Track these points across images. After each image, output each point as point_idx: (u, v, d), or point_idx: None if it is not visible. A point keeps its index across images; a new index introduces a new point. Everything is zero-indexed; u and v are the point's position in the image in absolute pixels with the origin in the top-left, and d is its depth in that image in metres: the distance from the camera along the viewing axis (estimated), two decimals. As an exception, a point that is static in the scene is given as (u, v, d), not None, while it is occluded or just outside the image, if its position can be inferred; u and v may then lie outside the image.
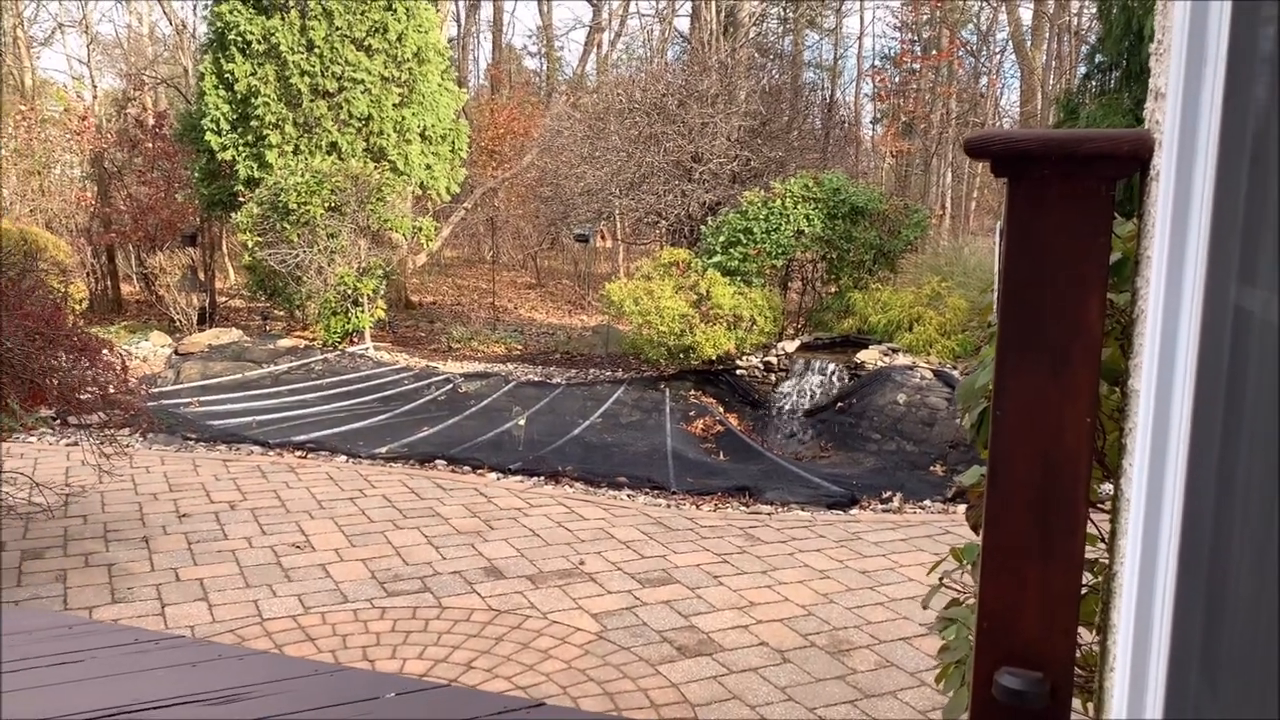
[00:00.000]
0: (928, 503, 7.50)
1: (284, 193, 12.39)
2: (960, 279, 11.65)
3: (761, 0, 24.81)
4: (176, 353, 12.15)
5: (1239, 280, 0.86)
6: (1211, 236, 0.90)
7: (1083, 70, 12.27)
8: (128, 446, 6.98)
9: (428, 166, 14.99)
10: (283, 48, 13.60)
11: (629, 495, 7.48)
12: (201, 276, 15.27)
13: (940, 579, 2.47)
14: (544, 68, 32.33)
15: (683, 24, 27.79)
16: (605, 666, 4.41)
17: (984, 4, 27.41)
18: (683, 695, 4.15)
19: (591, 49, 29.52)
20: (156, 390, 10.52)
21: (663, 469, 8.30)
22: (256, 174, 13.81)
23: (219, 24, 13.97)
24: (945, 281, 11.44)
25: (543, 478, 7.85)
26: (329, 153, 13.98)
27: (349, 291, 12.54)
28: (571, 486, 7.68)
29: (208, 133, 14.04)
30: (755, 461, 8.99)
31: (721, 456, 9.23)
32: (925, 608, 2.56)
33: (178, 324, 13.77)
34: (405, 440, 8.94)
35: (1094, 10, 15.68)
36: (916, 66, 27.27)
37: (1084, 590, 1.74)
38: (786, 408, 10.59)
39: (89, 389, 5.73)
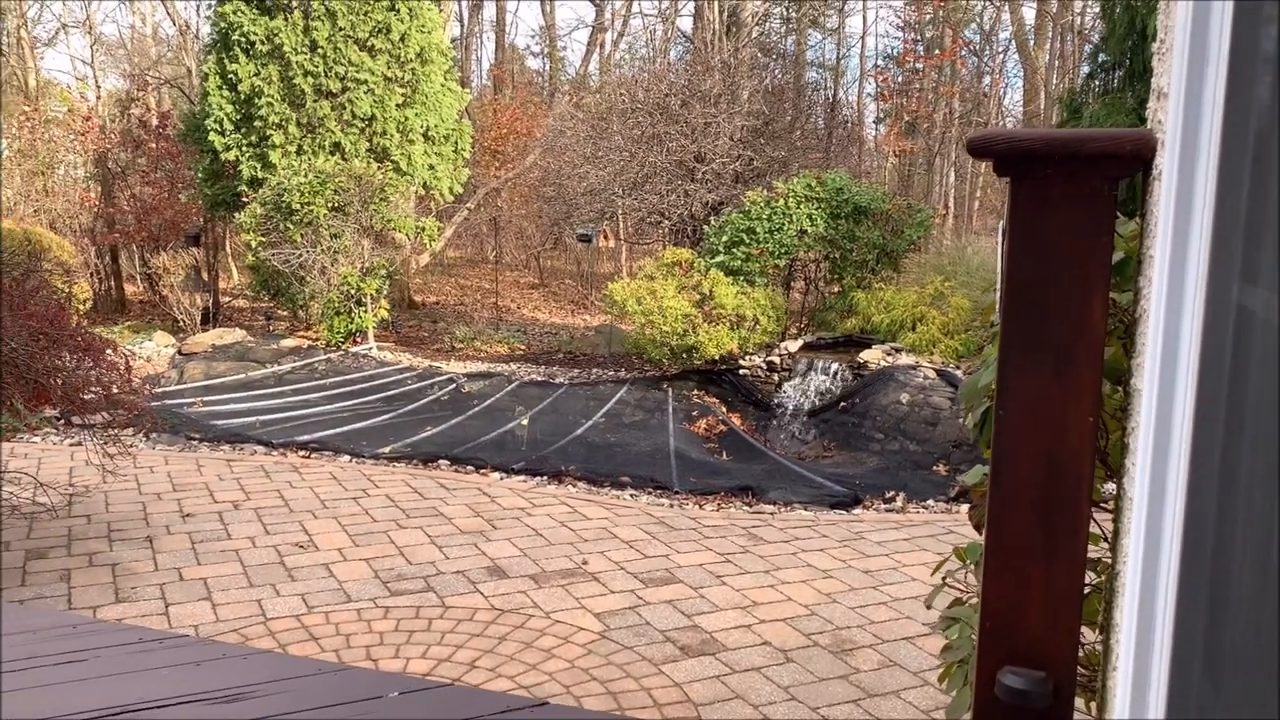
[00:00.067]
0: (931, 502, 7.49)
1: (287, 193, 12.41)
2: (963, 278, 11.65)
3: (764, 0, 24.80)
4: (180, 353, 12.17)
5: (1241, 279, 0.86)
6: (1213, 236, 0.90)
7: (1086, 69, 12.26)
8: (131, 446, 6.99)
9: (431, 167, 15.00)
10: (286, 48, 13.61)
11: (632, 495, 7.48)
12: (205, 276, 15.29)
13: (943, 578, 2.47)
14: (547, 68, 32.34)
15: (685, 24, 27.79)
16: (608, 666, 4.41)
17: (987, 3, 27.40)
18: (686, 695, 4.15)
19: (594, 49, 29.54)
20: (160, 390, 10.53)
21: (666, 469, 8.30)
22: (260, 174, 13.83)
23: (223, 24, 13.99)
24: (948, 281, 11.43)
25: (546, 477, 7.85)
26: (332, 153, 14.00)
27: (352, 291, 12.55)
28: (574, 486, 7.68)
29: (211, 133, 14.05)
30: (758, 461, 8.98)
31: (724, 456, 9.23)
32: (929, 607, 2.56)
33: (181, 324, 13.79)
34: (408, 440, 8.95)
35: (1097, 10, 15.67)
36: (919, 66, 27.23)
37: (1087, 589, 1.74)
38: (789, 407, 10.58)
39: (93, 389, 5.74)
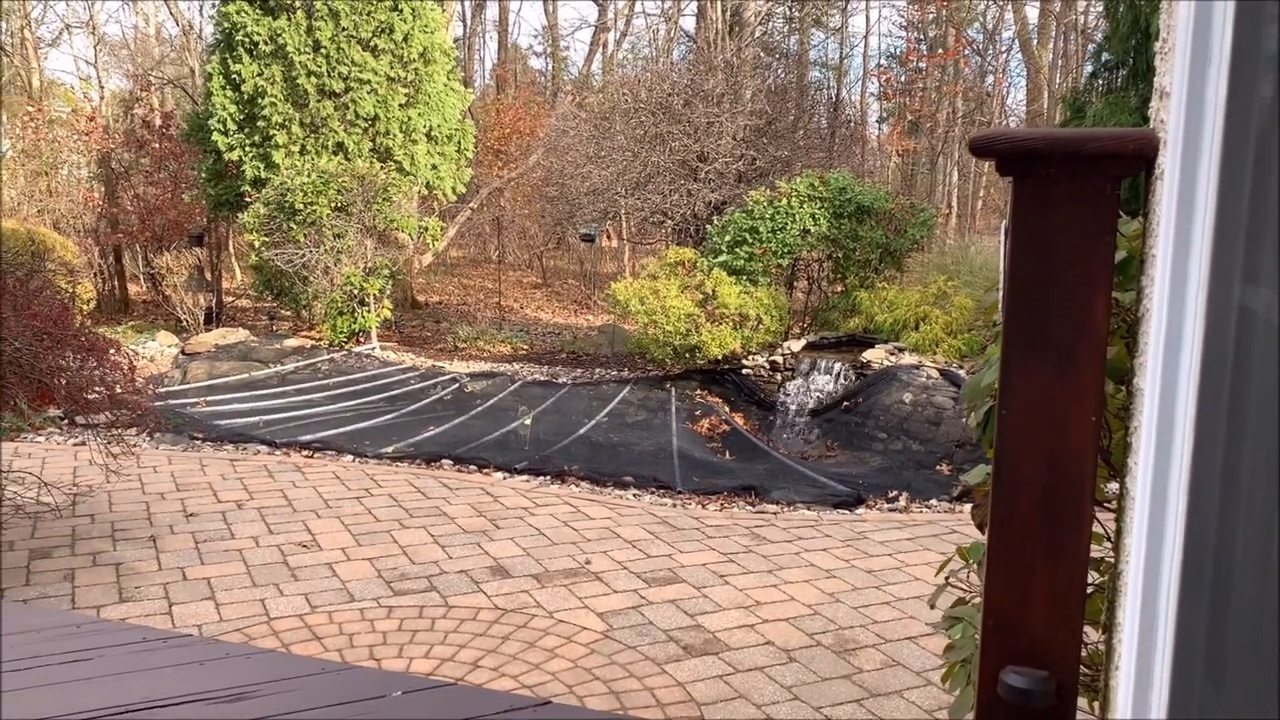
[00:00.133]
0: (934, 502, 7.49)
1: (290, 193, 12.42)
2: (966, 278, 11.64)
3: (767, 0, 24.79)
4: (183, 352, 12.19)
5: (1243, 279, 0.86)
6: (1215, 235, 0.90)
7: (1089, 68, 12.25)
8: (135, 446, 7.00)
9: (434, 166, 15.01)
10: (289, 48, 13.63)
11: (635, 495, 7.48)
12: (208, 276, 15.31)
13: (946, 578, 2.48)
14: (550, 67, 32.36)
15: (688, 23, 27.76)
16: (611, 665, 4.41)
17: (990, 3, 27.37)
18: (689, 694, 4.16)
19: (597, 49, 29.55)
20: (163, 390, 10.55)
21: (668, 468, 8.30)
22: (263, 174, 13.84)
23: (226, 24, 14.01)
24: (951, 280, 11.42)
25: (549, 477, 7.86)
26: (335, 153, 14.01)
27: (355, 291, 12.56)
28: (577, 486, 7.68)
29: (215, 133, 14.07)
30: (761, 461, 8.98)
31: (727, 456, 9.23)
32: (932, 607, 2.56)
33: (184, 324, 13.80)
34: (411, 440, 8.96)
35: (1100, 9, 15.64)
36: (922, 65, 27.22)
37: (1090, 589, 1.74)
38: (792, 407, 10.58)
39: (96, 389, 5.75)
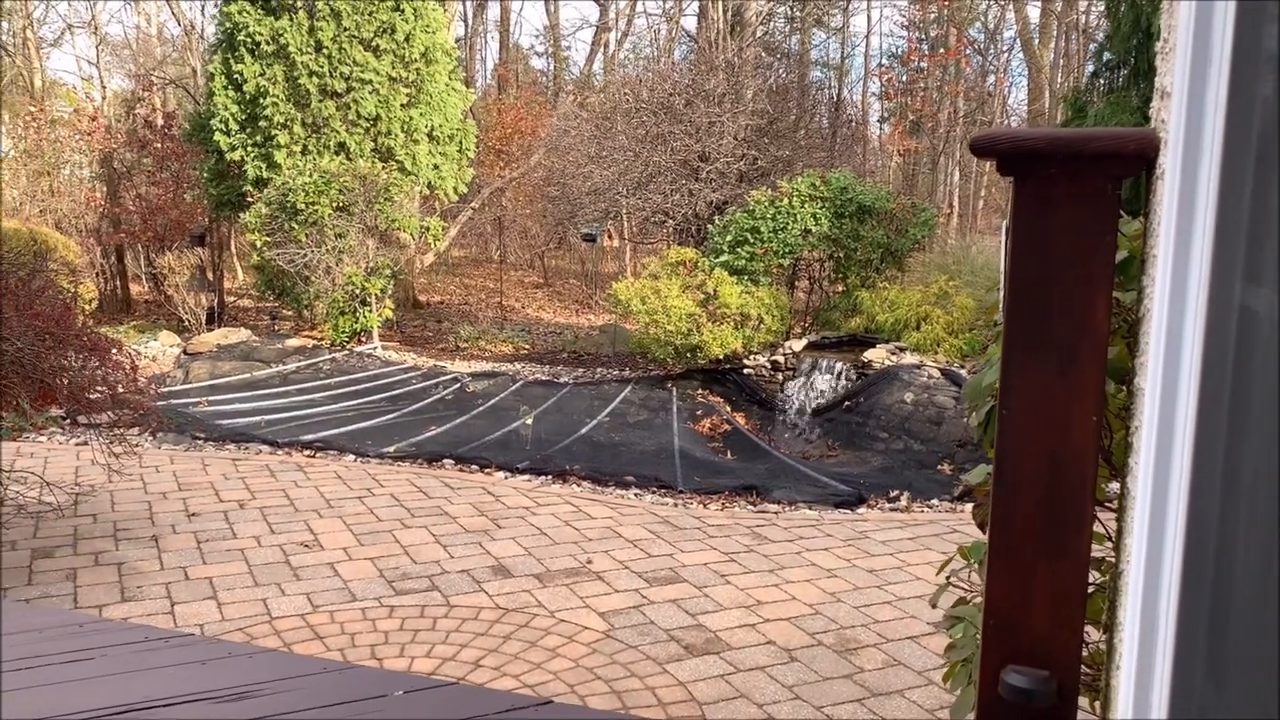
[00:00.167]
0: (935, 501, 7.49)
1: (292, 193, 12.43)
2: (968, 278, 11.63)
3: (768, 0, 24.79)
4: (185, 352, 12.20)
5: (1244, 279, 0.87)
6: (1216, 235, 0.90)
7: (1090, 68, 12.24)
8: (137, 446, 7.00)
9: (435, 166, 15.01)
10: (291, 48, 13.64)
11: (636, 494, 7.48)
12: (210, 276, 15.32)
13: (948, 577, 2.48)
14: (551, 67, 32.36)
15: (690, 23, 27.76)
16: (613, 665, 4.41)
17: (991, 2, 27.36)
18: (690, 694, 4.16)
19: (598, 49, 29.54)
20: (165, 390, 10.56)
21: (670, 468, 8.30)
22: (265, 174, 13.85)
23: (228, 24, 14.02)
24: (953, 280, 11.42)
25: (550, 477, 7.86)
26: (337, 153, 14.01)
27: (357, 291, 12.57)
28: (579, 485, 7.68)
29: (216, 133, 14.08)
30: (762, 460, 8.98)
31: (729, 455, 9.23)
32: (933, 606, 2.56)
33: (186, 324, 13.81)
34: (413, 439, 8.96)
35: (1102, 8, 15.63)
36: (924, 65, 27.20)
37: (1091, 589, 1.74)
38: (794, 407, 10.58)
39: (98, 388, 5.75)
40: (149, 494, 6.82)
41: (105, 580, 5.23)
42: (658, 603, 5.15)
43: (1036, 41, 25.06)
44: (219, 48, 14.59)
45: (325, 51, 13.76)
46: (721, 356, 11.12)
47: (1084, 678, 1.72)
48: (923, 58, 27.23)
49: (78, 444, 8.05)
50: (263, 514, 6.46)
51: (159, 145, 15.48)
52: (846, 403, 10.01)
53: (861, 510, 7.22)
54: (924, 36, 28.83)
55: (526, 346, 14.57)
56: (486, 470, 7.99)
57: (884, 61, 30.49)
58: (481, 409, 10.35)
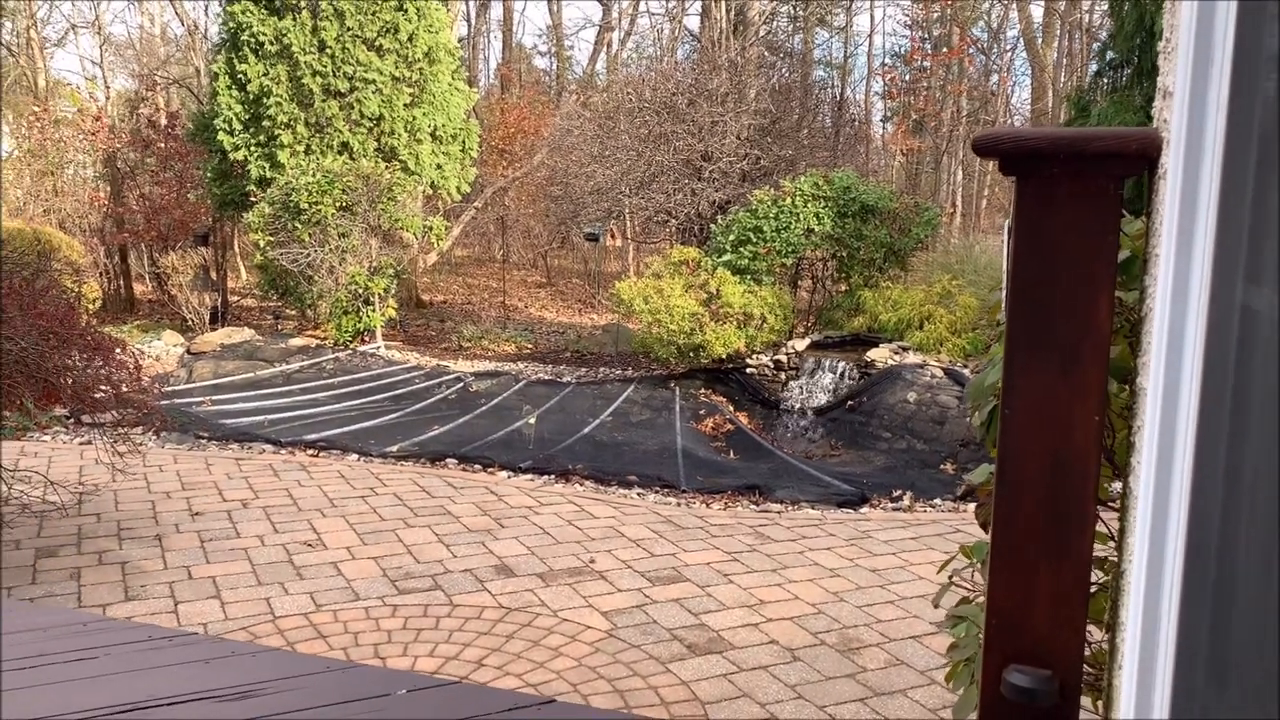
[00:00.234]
0: (938, 501, 7.48)
1: (296, 192, 12.44)
2: (971, 277, 11.63)
3: (771, -1, 24.78)
4: (189, 352, 12.21)
5: (1245, 279, 0.87)
6: (1218, 235, 0.90)
7: (1094, 67, 12.23)
8: (141, 445, 7.01)
9: (438, 166, 15.02)
10: (295, 48, 13.65)
11: (639, 494, 7.48)
12: (214, 276, 15.33)
13: (950, 577, 2.47)
14: (554, 67, 32.37)
15: (693, 23, 27.77)
16: (615, 664, 4.42)
17: (994, 1, 27.33)
18: (693, 693, 4.16)
19: (601, 48, 29.53)
20: (169, 389, 10.57)
21: (673, 467, 8.30)
22: (268, 174, 13.86)
23: (232, 24, 14.03)
24: (956, 280, 11.41)
25: (553, 476, 7.86)
26: (340, 152, 14.02)
27: (360, 290, 12.58)
28: (582, 485, 7.69)
29: (220, 133, 14.09)
30: (765, 460, 8.98)
31: (731, 455, 9.23)
32: (936, 606, 2.56)
33: (190, 323, 13.83)
34: (416, 439, 8.97)
35: (1105, 7, 15.61)
36: (927, 64, 27.19)
37: (1094, 588, 1.74)
38: (796, 406, 10.58)
39: (102, 388, 5.77)
40: (153, 493, 6.83)
41: (109, 579, 5.24)
42: (660, 602, 5.16)
43: (1040, 40, 25.03)
44: (223, 47, 14.60)
45: (329, 51, 13.77)
46: (724, 356, 11.12)
47: (1086, 677, 1.72)
48: (926, 57, 27.22)
49: (82, 443, 8.06)
50: (266, 513, 6.47)
51: (162, 145, 15.50)
52: (849, 402, 10.01)
53: (864, 510, 7.22)
54: (927, 35, 28.82)
55: (529, 346, 14.57)
56: (489, 470, 8.00)
57: (887, 61, 30.49)
58: (484, 408, 10.36)
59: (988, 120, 25.44)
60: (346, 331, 12.70)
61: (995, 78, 27.44)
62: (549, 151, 18.77)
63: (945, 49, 26.84)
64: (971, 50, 27.09)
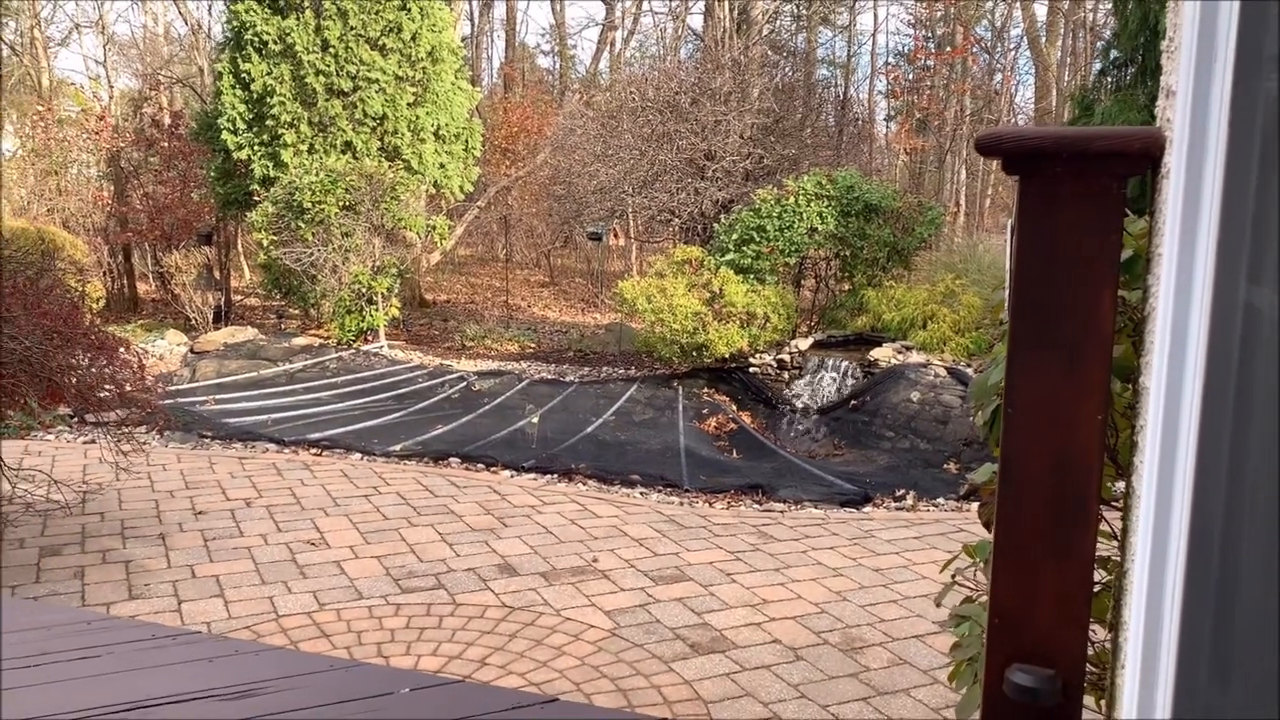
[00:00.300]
0: (941, 500, 7.48)
1: (299, 192, 12.45)
2: (975, 276, 11.61)
3: (774, -3, 24.76)
4: (192, 351, 12.23)
5: (1248, 278, 0.87)
6: (1220, 235, 0.90)
7: (1098, 66, 12.21)
8: (144, 444, 7.03)
9: (441, 165, 15.03)
10: (298, 47, 13.66)
11: (642, 493, 7.48)
12: (217, 275, 15.35)
13: (953, 576, 2.47)
14: (557, 66, 32.38)
15: (696, 22, 27.76)
16: (618, 663, 4.42)
17: (998, 0, 27.29)
18: (696, 692, 4.16)
19: (604, 47, 29.52)
20: (173, 388, 10.58)
21: (676, 467, 8.30)
22: (272, 173, 13.88)
23: (236, 23, 14.05)
24: (959, 279, 11.40)
25: (556, 475, 7.86)
26: (344, 152, 14.04)
27: (363, 290, 12.59)
28: (585, 484, 7.69)
29: (224, 132, 14.11)
30: (768, 459, 8.98)
31: (734, 454, 9.22)
32: (939, 605, 2.56)
33: (193, 322, 13.85)
34: (419, 438, 8.97)
35: (1109, 6, 15.59)
36: (930, 63, 27.16)
37: (1098, 587, 1.74)
38: (800, 405, 10.57)
39: (106, 387, 5.77)
40: (156, 492, 6.84)
41: (113, 578, 5.25)
42: (663, 601, 5.16)
43: (1044, 39, 24.99)
44: (227, 46, 14.62)
45: (332, 50, 13.78)
46: (727, 355, 11.12)
47: (1090, 676, 1.71)
48: (929, 56, 27.20)
49: (85, 442, 8.07)
50: (269, 512, 6.47)
51: (166, 144, 15.52)
52: (852, 401, 10.00)
53: (867, 509, 7.21)
54: (930, 34, 28.81)
55: (532, 345, 14.58)
56: (492, 469, 8.00)
57: (890, 60, 30.48)
58: (487, 408, 10.36)
59: (991, 119, 25.42)
60: (350, 331, 12.71)
61: (999, 76, 27.43)
62: (552, 150, 18.78)
63: (949, 48, 26.82)
64: (975, 49, 27.07)
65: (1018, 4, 26.02)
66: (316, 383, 11.28)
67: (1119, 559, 1.34)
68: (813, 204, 11.96)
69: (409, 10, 14.16)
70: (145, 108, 17.92)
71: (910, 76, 28.24)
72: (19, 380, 5.30)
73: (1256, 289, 0.85)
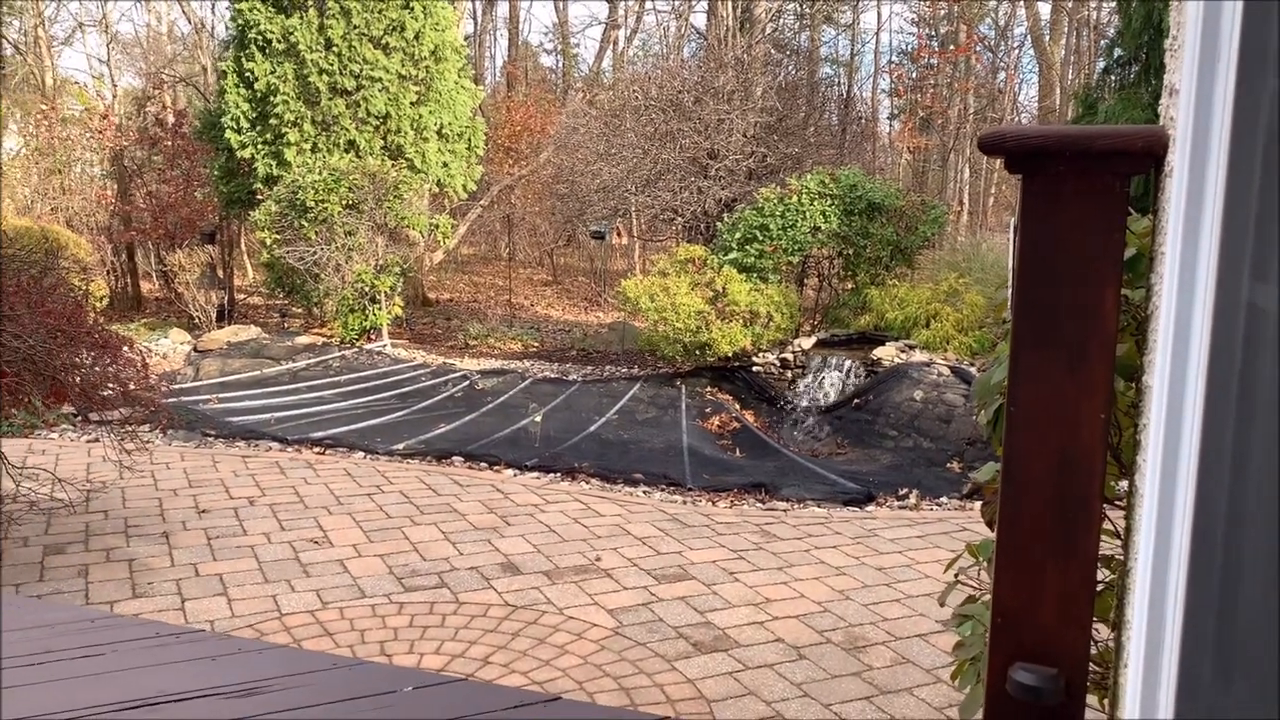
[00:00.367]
0: (944, 499, 7.48)
1: (302, 190, 12.46)
2: (978, 275, 11.60)
3: (777, -4, 24.73)
4: (196, 350, 12.24)
5: (1251, 277, 0.86)
6: (1223, 233, 0.90)
7: (1101, 64, 12.20)
8: (148, 443, 7.04)
9: (445, 164, 15.03)
10: (301, 46, 13.67)
11: (645, 492, 7.49)
12: (220, 274, 15.37)
13: (956, 575, 2.47)
14: (560, 65, 32.37)
15: (699, 20, 27.73)
16: (621, 662, 4.42)
17: (1002, -2, 27.25)
18: (699, 691, 4.16)
19: (607, 46, 29.52)
20: (176, 387, 10.60)
21: (679, 465, 8.30)
22: (275, 172, 13.89)
23: (240, 21, 14.06)
24: (963, 278, 11.39)
25: (559, 474, 7.87)
26: (347, 151, 14.05)
27: (366, 289, 12.60)
28: (588, 483, 7.69)
29: (227, 131, 14.12)
30: (771, 458, 8.98)
31: (737, 453, 9.22)
32: (942, 604, 2.56)
33: (197, 321, 13.86)
34: (422, 437, 8.98)
35: (1113, 4, 15.56)
36: (934, 62, 27.12)
37: (1101, 587, 1.74)
38: (803, 404, 10.57)
39: (110, 386, 5.78)
40: (160, 491, 6.85)
41: (116, 576, 5.26)
42: (666, 600, 5.16)
43: (1047, 38, 24.96)
44: (231, 45, 14.64)
45: (335, 49, 13.79)
46: (730, 354, 11.11)
47: (1093, 675, 1.71)
48: (933, 54, 27.15)
49: (89, 441, 8.09)
50: (272, 511, 6.48)
51: (169, 143, 15.54)
52: (856, 400, 10.00)
53: (870, 508, 7.21)
54: (934, 33, 28.76)
55: (535, 344, 14.58)
56: (495, 468, 8.01)
57: (894, 58, 30.44)
58: (490, 406, 10.37)
59: (995, 118, 25.39)
60: (353, 329, 12.72)
61: (1002, 75, 27.38)
62: (555, 149, 18.78)
63: (952, 46, 26.78)
64: (978, 47, 27.03)
65: (1021, 2, 25.99)
66: (319, 381, 11.29)
67: (1122, 558, 1.34)
68: (816, 203, 11.96)
69: (412, 9, 14.17)
70: (149, 106, 17.93)
71: (913, 75, 28.20)
72: (23, 379, 5.31)
73: (1259, 287, 0.85)
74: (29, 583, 5.13)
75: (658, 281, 11.48)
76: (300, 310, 14.20)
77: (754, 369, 11.31)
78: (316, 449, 8.44)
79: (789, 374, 11.07)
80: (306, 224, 12.45)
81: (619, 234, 18.45)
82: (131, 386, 5.88)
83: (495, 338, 14.65)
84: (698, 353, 11.12)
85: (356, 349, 12.39)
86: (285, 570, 5.43)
